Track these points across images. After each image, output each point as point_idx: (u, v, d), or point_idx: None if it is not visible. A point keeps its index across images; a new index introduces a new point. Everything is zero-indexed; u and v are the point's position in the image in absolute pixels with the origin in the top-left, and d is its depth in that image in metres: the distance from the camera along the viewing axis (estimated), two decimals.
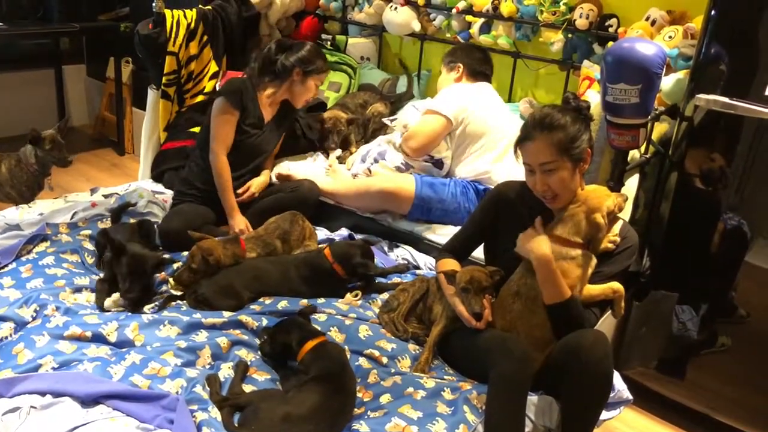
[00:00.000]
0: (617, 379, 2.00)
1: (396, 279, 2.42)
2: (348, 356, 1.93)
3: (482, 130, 2.73)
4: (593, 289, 1.89)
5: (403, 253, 2.61)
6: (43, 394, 1.65)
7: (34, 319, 1.95)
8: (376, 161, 2.87)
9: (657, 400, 2.50)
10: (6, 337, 1.88)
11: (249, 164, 2.82)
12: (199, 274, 2.23)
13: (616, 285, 1.92)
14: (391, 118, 3.23)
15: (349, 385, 1.76)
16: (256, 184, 2.81)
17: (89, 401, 1.63)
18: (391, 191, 2.69)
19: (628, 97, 2.07)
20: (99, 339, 1.88)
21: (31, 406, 1.61)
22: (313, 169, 3.03)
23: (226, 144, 2.69)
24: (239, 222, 2.67)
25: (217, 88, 2.98)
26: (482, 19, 3.29)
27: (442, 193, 2.69)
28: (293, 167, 3.03)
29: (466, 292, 1.94)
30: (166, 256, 2.36)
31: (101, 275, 2.25)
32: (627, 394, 2.04)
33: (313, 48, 2.85)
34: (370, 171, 2.87)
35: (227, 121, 2.68)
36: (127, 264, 2.11)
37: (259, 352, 1.95)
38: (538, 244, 1.86)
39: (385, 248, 2.65)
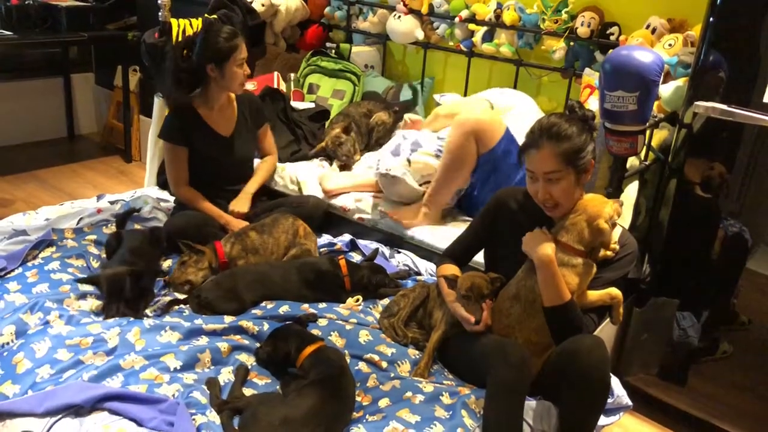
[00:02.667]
0: (616, 384, 2.00)
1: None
2: (348, 360, 1.95)
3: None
4: (591, 295, 1.90)
5: (404, 259, 2.62)
6: (42, 415, 1.64)
7: (37, 326, 1.97)
8: (413, 150, 2.82)
9: (658, 406, 2.50)
10: (7, 343, 1.91)
11: (234, 177, 2.79)
12: (189, 269, 2.32)
13: (614, 291, 1.92)
14: (441, 95, 3.26)
15: (348, 389, 1.78)
16: (238, 205, 2.74)
17: (88, 407, 1.65)
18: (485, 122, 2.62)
19: (626, 105, 2.08)
20: (99, 345, 1.89)
21: None
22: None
23: (182, 179, 2.69)
24: (234, 222, 2.63)
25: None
26: (485, 28, 3.32)
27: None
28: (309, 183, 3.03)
29: (466, 299, 1.95)
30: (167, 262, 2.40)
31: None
32: (626, 400, 2.05)
33: (210, 34, 2.59)
34: (409, 162, 2.78)
35: (175, 160, 2.69)
36: (105, 287, 2.14)
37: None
38: (543, 245, 1.87)
39: (387, 254, 2.66)
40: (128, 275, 2.14)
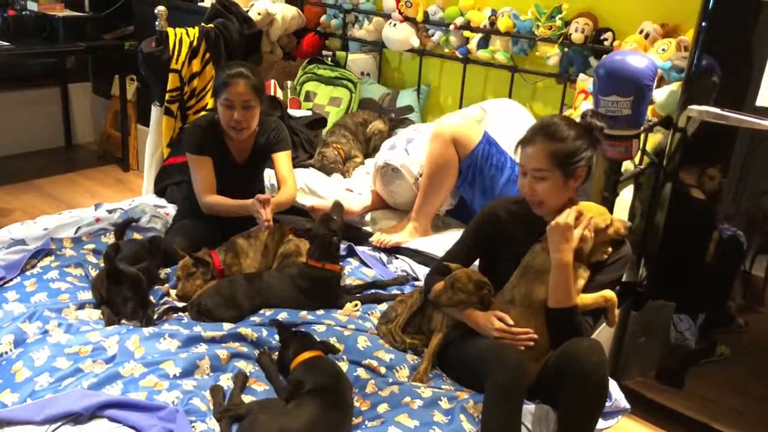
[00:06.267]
0: (614, 388, 2.01)
1: (395, 291, 2.45)
2: (346, 367, 1.96)
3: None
4: (586, 299, 1.91)
5: (402, 264, 2.63)
6: (41, 423, 1.64)
7: (35, 335, 1.97)
8: (409, 142, 2.86)
9: (656, 409, 2.51)
10: (6, 353, 1.90)
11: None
12: (198, 281, 2.35)
13: (608, 293, 1.93)
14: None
15: (347, 397, 1.78)
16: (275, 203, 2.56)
17: (87, 414, 1.64)
18: (462, 128, 2.65)
19: (620, 109, 2.10)
20: (98, 353, 1.90)
21: None
22: (338, 191, 3.01)
23: (209, 187, 2.57)
24: (251, 203, 2.44)
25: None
26: (480, 35, 3.34)
27: (506, 156, 2.67)
28: (319, 191, 3.01)
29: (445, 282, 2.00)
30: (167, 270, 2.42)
31: (97, 299, 2.23)
32: (624, 403, 2.05)
33: (222, 68, 2.61)
34: (407, 152, 2.81)
35: (201, 168, 2.58)
36: (129, 286, 2.15)
37: (257, 363, 1.98)
38: (564, 249, 1.85)
39: (384, 260, 2.67)
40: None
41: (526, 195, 1.94)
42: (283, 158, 2.68)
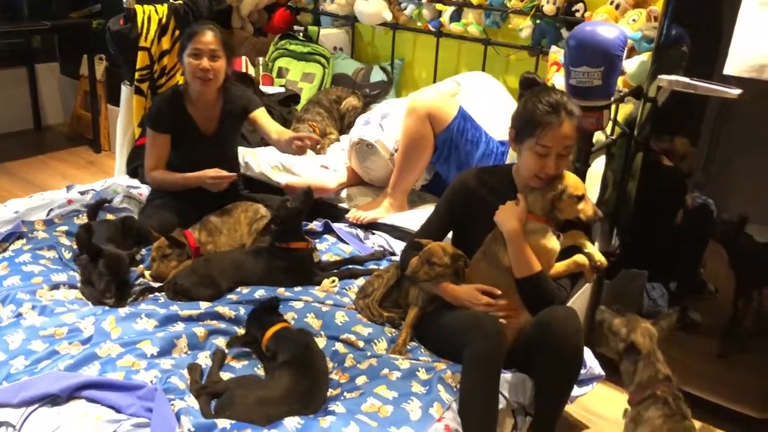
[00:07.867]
0: (588, 355, 2.05)
1: (372, 266, 2.46)
2: (324, 343, 1.98)
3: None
4: (558, 267, 1.95)
5: (378, 240, 2.64)
6: (18, 405, 1.63)
7: (9, 318, 1.96)
8: (383, 117, 2.86)
9: None
10: None
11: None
12: (173, 263, 2.33)
13: (579, 258, 1.97)
14: None
15: (318, 364, 1.81)
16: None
17: (65, 396, 1.64)
18: (437, 102, 2.65)
19: (591, 80, 2.11)
20: (74, 334, 1.89)
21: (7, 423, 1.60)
22: (313, 168, 2.97)
23: (159, 162, 2.59)
24: (207, 173, 2.49)
25: None
26: (452, 7, 3.33)
27: (481, 131, 2.69)
28: (294, 168, 2.95)
29: (418, 259, 2.01)
30: (142, 251, 2.41)
31: (80, 279, 2.23)
32: (599, 370, 2.09)
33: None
34: (382, 127, 2.82)
35: (156, 146, 2.59)
36: (105, 264, 2.14)
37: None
38: (509, 218, 1.91)
39: (361, 236, 2.68)
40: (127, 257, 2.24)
41: (547, 173, 1.89)
42: (262, 114, 2.69)
